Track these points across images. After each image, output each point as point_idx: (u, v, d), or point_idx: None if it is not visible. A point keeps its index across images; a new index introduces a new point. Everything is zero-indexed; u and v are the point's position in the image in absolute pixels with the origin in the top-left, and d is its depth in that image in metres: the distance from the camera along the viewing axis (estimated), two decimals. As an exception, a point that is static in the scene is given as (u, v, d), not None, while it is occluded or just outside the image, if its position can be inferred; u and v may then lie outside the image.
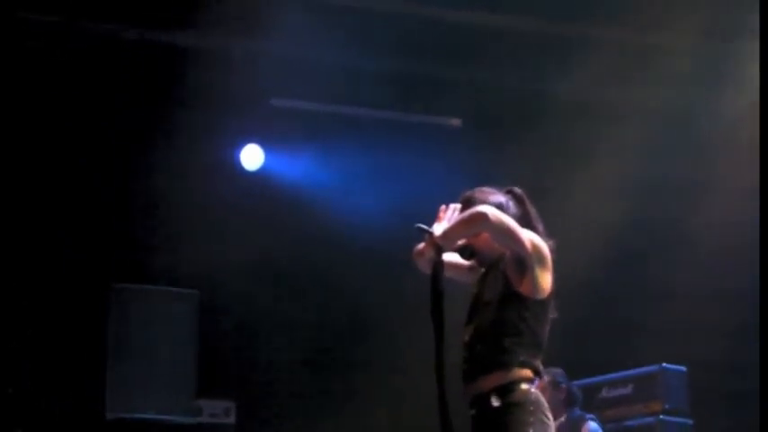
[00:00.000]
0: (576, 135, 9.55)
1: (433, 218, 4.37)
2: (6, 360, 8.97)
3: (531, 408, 4.13)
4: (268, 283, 9.69)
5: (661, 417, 8.22)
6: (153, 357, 9.17)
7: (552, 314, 4.30)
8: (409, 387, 8.55)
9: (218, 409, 9.57)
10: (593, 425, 7.50)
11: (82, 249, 9.24)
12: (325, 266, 9.78)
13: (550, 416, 4.21)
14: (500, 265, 4.30)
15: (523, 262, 4.21)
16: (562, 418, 7.32)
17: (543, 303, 4.26)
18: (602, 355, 9.28)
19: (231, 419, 9.63)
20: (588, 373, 8.59)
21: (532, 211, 4.42)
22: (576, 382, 7.81)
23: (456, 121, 9.84)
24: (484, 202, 4.32)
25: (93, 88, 8.92)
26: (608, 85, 9.40)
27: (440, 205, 4.40)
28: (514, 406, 4.12)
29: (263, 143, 9.70)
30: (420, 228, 4.33)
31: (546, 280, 4.25)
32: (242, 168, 9.69)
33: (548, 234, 4.36)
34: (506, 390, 4.15)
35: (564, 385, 7.47)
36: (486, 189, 4.45)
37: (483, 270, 4.41)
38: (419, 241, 4.38)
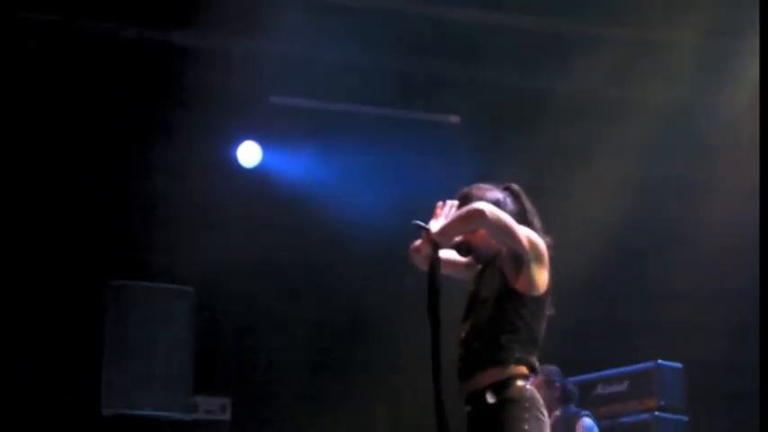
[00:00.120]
0: (575, 134, 9.54)
1: (432, 215, 4.36)
2: (4, 356, 8.96)
3: (527, 404, 4.13)
4: (266, 281, 9.68)
5: (656, 413, 8.20)
6: (150, 354, 9.16)
7: (549, 311, 4.30)
8: (408, 386, 8.52)
9: (214, 406, 9.58)
10: (588, 421, 7.50)
11: (79, 247, 9.23)
12: (323, 264, 9.77)
13: (546, 412, 4.21)
14: (497, 262, 4.29)
15: (520, 259, 4.21)
16: (557, 412, 7.32)
17: (540, 300, 4.25)
18: (602, 354, 9.26)
19: (227, 416, 9.64)
20: (587, 373, 8.58)
21: (529, 207, 4.42)
22: (571, 379, 7.81)
23: (455, 118, 9.83)
24: (481, 198, 4.32)
25: (91, 87, 8.92)
26: (608, 85, 9.40)
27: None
28: (510, 402, 4.12)
29: (262, 141, 9.70)
30: (417, 224, 4.33)
31: (542, 277, 4.25)
32: (241, 167, 9.69)
33: (545, 231, 4.36)
34: (502, 386, 4.14)
35: (558, 383, 7.46)
36: (483, 186, 4.45)
37: (480, 267, 4.41)
38: (416, 238, 4.38)
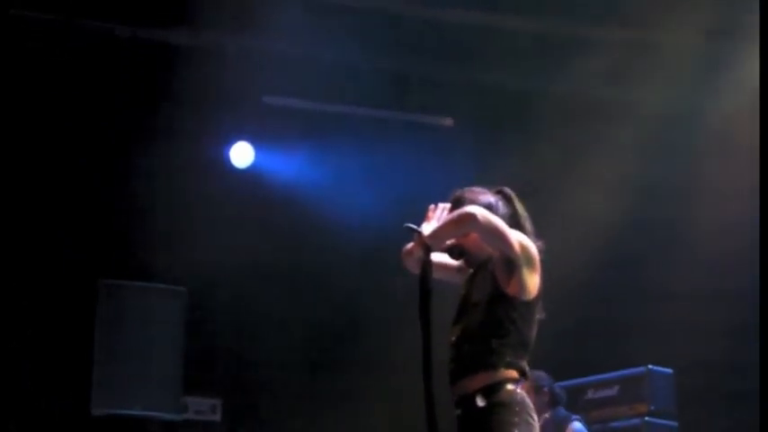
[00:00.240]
0: (573, 136, 9.53)
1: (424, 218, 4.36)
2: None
3: (517, 408, 4.12)
4: (258, 282, 9.67)
5: (646, 418, 8.17)
6: (141, 354, 9.16)
7: (540, 315, 4.29)
8: (405, 386, 8.47)
9: (205, 407, 9.60)
10: (578, 425, 7.50)
11: (71, 247, 9.20)
12: (317, 265, 9.76)
13: (536, 417, 4.21)
14: (488, 266, 4.29)
15: (512, 263, 4.20)
16: (546, 415, 7.31)
17: (530, 304, 4.25)
18: (601, 355, 9.24)
19: (217, 417, 9.66)
20: (586, 374, 8.57)
21: (522, 211, 4.40)
22: (561, 383, 7.82)
23: (448, 121, 9.81)
24: (473, 202, 4.31)
25: (84, 85, 8.91)
26: (607, 86, 9.38)
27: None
28: (500, 406, 4.12)
29: (256, 141, 9.68)
30: (409, 227, 4.33)
31: (533, 281, 4.25)
32: (234, 167, 9.67)
33: (537, 234, 4.36)
34: (492, 390, 4.14)
35: (546, 388, 7.45)
36: (476, 189, 4.44)
37: (471, 270, 4.41)
38: (408, 241, 4.38)
